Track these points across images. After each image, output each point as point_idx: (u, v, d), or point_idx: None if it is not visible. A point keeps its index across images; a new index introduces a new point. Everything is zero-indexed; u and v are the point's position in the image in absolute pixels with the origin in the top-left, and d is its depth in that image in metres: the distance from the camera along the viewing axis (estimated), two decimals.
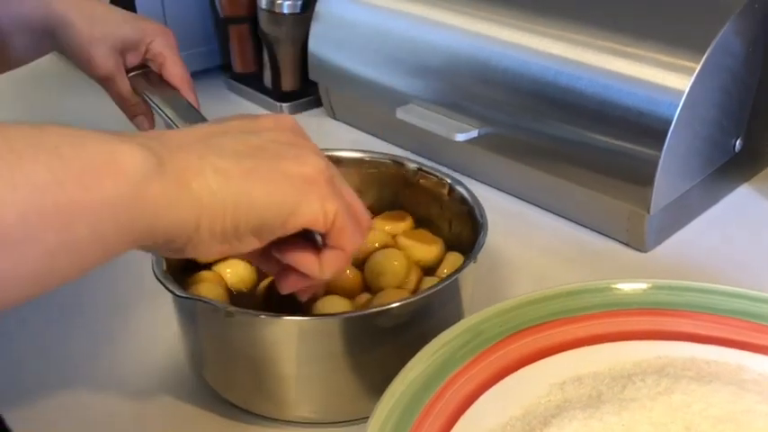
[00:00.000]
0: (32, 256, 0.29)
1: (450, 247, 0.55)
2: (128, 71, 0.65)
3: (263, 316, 0.42)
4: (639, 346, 0.45)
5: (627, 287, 0.47)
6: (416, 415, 0.39)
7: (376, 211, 0.57)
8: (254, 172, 0.35)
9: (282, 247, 0.39)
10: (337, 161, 0.56)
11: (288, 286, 0.42)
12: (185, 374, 0.50)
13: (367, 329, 0.44)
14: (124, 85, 0.64)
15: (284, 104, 0.90)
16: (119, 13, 0.64)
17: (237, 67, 0.96)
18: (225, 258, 0.51)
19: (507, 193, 0.72)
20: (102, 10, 0.63)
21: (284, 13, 0.86)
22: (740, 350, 0.44)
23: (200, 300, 0.44)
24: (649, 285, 0.47)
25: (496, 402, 0.42)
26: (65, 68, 0.93)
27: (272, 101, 0.91)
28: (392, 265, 0.51)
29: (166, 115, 0.60)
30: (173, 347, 0.52)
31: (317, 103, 0.90)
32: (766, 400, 0.40)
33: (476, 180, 0.72)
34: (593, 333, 0.46)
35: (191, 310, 0.46)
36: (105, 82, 0.64)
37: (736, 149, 0.68)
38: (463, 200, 0.54)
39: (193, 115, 0.60)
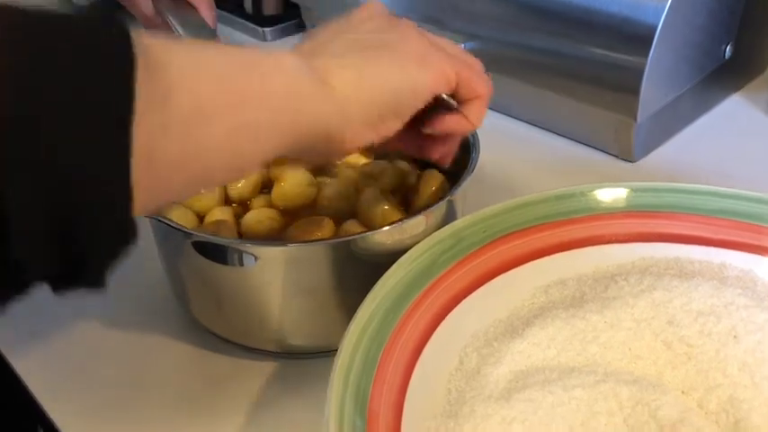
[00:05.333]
0: (214, 133, 0.31)
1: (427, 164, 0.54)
2: None
3: (220, 238, 0.42)
4: (623, 249, 0.45)
5: (610, 191, 0.47)
6: (398, 318, 0.38)
7: None
8: (378, 60, 0.38)
9: (429, 121, 0.43)
10: None
11: (444, 153, 0.46)
12: (172, 305, 0.50)
13: (352, 255, 0.43)
14: (147, 7, 0.65)
15: (266, 29, 0.88)
16: None
17: None
18: None
19: (493, 109, 0.71)
20: None
21: None
22: (723, 248, 0.44)
23: (162, 222, 0.42)
24: (632, 189, 0.47)
25: (480, 306, 0.42)
26: None
27: (253, 26, 0.89)
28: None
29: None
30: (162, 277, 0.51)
31: (301, 26, 0.88)
32: (747, 293, 0.40)
33: None
34: (576, 237, 0.45)
35: (165, 236, 0.45)
36: (130, 3, 0.65)
37: (727, 56, 0.66)
38: None
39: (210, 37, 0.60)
